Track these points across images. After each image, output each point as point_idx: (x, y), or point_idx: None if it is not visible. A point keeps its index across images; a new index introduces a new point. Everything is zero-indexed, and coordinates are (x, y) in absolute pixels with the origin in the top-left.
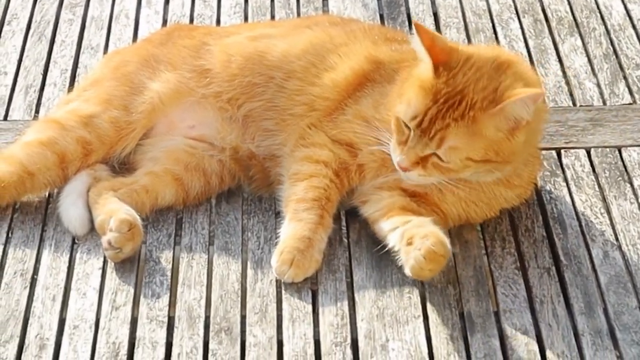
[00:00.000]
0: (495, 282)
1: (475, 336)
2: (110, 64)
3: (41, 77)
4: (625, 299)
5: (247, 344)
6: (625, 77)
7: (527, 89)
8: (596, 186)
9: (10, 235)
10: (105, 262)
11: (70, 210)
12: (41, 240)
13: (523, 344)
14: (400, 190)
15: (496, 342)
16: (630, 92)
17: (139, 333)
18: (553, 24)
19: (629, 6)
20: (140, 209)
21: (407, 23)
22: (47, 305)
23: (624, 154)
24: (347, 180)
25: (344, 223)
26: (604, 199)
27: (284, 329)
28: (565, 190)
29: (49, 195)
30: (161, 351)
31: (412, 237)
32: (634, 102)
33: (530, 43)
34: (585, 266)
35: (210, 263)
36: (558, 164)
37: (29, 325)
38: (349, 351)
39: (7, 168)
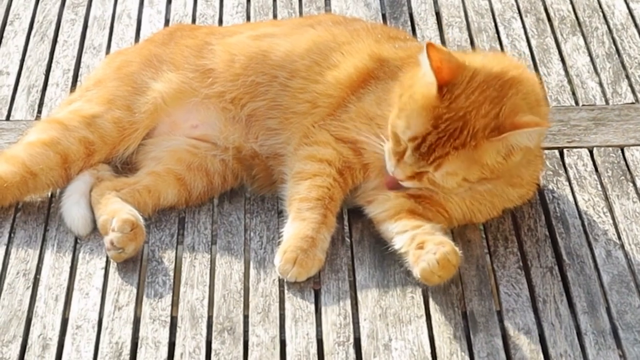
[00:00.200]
0: (498, 282)
1: (478, 335)
2: (113, 64)
3: (43, 77)
4: (628, 298)
5: (249, 343)
6: (627, 77)
7: (531, 120)
8: (599, 185)
9: (12, 235)
10: (107, 262)
11: (73, 210)
12: (44, 240)
13: (526, 343)
14: (406, 192)
15: (499, 342)
16: (633, 92)
17: (141, 333)
18: (555, 23)
19: (632, 5)
20: (142, 209)
21: (409, 22)
22: (49, 305)
23: (627, 153)
24: (351, 179)
25: (346, 222)
26: (606, 198)
27: (286, 328)
28: (567, 189)
29: (52, 195)
30: (164, 351)
31: (425, 242)
32: (637, 101)
33: (533, 42)
34: (588, 265)
35: (212, 263)
36: (560, 163)
37: (31, 325)
38: (351, 351)
39: (10, 168)
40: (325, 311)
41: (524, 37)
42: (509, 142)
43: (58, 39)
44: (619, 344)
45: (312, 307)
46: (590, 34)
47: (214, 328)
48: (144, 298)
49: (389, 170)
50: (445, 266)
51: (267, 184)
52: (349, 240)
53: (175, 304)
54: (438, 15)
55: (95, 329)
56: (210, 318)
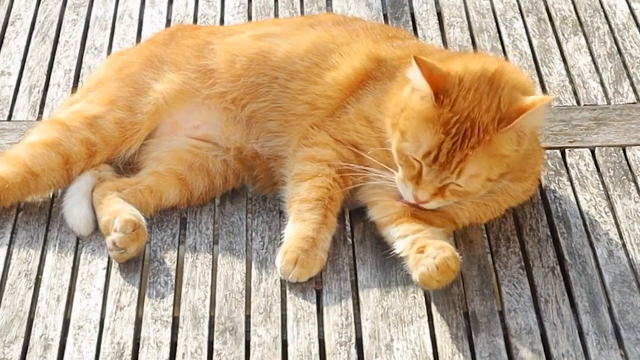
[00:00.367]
0: (500, 282)
1: (480, 335)
2: (114, 65)
3: (45, 77)
4: (630, 298)
5: (251, 343)
6: (629, 76)
7: (534, 99)
8: (600, 185)
9: (14, 235)
10: (109, 262)
11: (75, 210)
12: (45, 240)
13: (528, 343)
14: None
15: (501, 342)
16: (635, 91)
17: (143, 333)
18: (557, 23)
19: (633, 5)
20: (144, 209)
21: (410, 22)
22: (51, 306)
23: (629, 153)
24: (351, 180)
25: (348, 222)
26: (608, 198)
27: (288, 328)
28: (569, 189)
29: (53, 195)
30: (166, 351)
31: (425, 247)
32: (638, 101)
33: (534, 42)
34: (590, 265)
35: (214, 263)
36: (562, 163)
37: (33, 325)
38: (353, 351)
39: (11, 169)
40: (327, 311)
41: (525, 37)
42: (519, 127)
43: (59, 40)
44: (620, 344)
45: (314, 307)
46: (591, 33)
47: (215, 328)
48: (146, 298)
49: (409, 198)
50: (444, 271)
51: (268, 185)
52: (350, 240)
53: (177, 304)
54: (439, 15)
55: (97, 329)
56: (212, 318)
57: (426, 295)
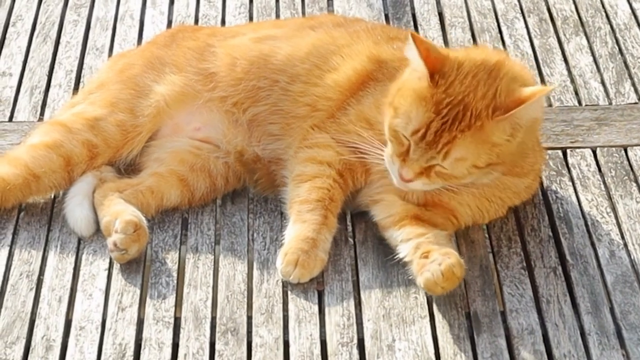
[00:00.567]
0: (502, 282)
1: (482, 336)
2: (116, 67)
3: (46, 78)
4: (632, 298)
5: (253, 344)
6: (630, 76)
7: (532, 90)
8: (602, 185)
9: (16, 236)
10: (111, 263)
11: (76, 211)
12: (47, 241)
13: (529, 343)
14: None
15: (503, 342)
16: (636, 91)
17: (145, 334)
18: (558, 23)
19: (634, 5)
20: (145, 210)
21: (412, 23)
22: (53, 307)
23: (630, 153)
24: (352, 181)
25: (349, 223)
26: (610, 199)
27: (290, 329)
28: (571, 189)
29: (55, 196)
30: (167, 352)
31: (429, 252)
32: None
33: (536, 42)
34: (592, 266)
35: (216, 264)
36: (564, 163)
37: (35, 326)
38: (355, 351)
39: (13, 170)
40: (328, 312)
41: (526, 37)
42: (515, 119)
43: (61, 40)
44: (622, 344)
45: (316, 307)
46: (593, 33)
47: (217, 329)
48: (148, 299)
49: (395, 175)
50: (449, 278)
51: (269, 187)
52: (352, 240)
53: (178, 305)
54: (441, 15)
55: (99, 330)
56: (213, 319)
57: (428, 295)
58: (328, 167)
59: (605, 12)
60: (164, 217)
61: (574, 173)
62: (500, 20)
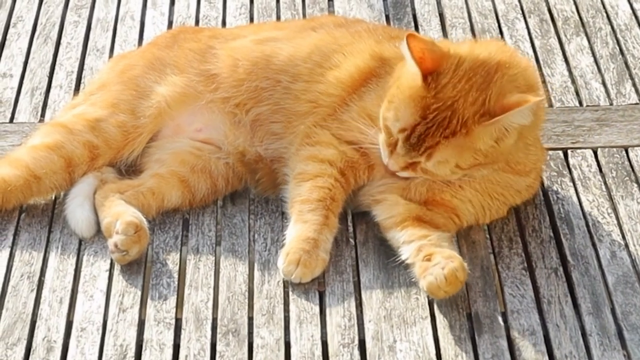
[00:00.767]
0: (503, 283)
1: (483, 337)
2: (117, 68)
3: (47, 79)
4: (633, 299)
5: (254, 345)
6: (631, 77)
7: (519, 99)
8: (603, 186)
9: (17, 237)
10: (112, 264)
11: (77, 212)
12: (48, 242)
13: (531, 344)
14: (417, 197)
15: (504, 343)
16: (637, 92)
17: (146, 335)
18: (559, 24)
19: (635, 6)
20: (146, 211)
21: (412, 24)
22: (54, 308)
23: (631, 154)
24: (354, 179)
25: (350, 224)
26: (611, 199)
27: (291, 330)
28: (572, 190)
29: (56, 197)
30: (169, 353)
31: (432, 255)
32: None
33: (537, 43)
34: (593, 266)
35: (217, 265)
36: (565, 164)
37: (36, 328)
38: (356, 352)
39: (14, 172)
40: (329, 313)
41: (527, 37)
42: (501, 124)
43: (61, 41)
44: (624, 345)
45: (317, 308)
46: (593, 34)
47: (218, 330)
48: (149, 300)
49: (384, 160)
50: (452, 282)
51: (271, 187)
52: (353, 241)
53: (179, 306)
54: (441, 16)
55: (100, 331)
56: (214, 320)
57: (429, 296)
58: (329, 166)
59: (606, 12)
60: (165, 218)
61: (575, 174)
62: (501, 21)
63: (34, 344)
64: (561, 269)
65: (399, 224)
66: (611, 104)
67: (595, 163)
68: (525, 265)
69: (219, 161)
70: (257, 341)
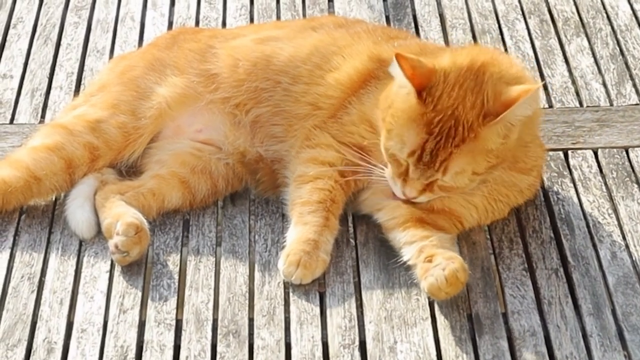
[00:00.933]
0: (503, 284)
1: (484, 338)
2: (117, 69)
3: (47, 80)
4: (634, 299)
5: (255, 346)
6: (632, 78)
7: (520, 90)
8: (603, 187)
9: (17, 238)
10: (112, 265)
11: (77, 213)
12: (48, 243)
13: (531, 345)
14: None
15: (504, 344)
16: (637, 93)
17: (146, 336)
18: (559, 25)
19: (635, 6)
20: (147, 212)
21: (413, 24)
22: (54, 309)
23: (631, 155)
24: (354, 181)
25: (351, 224)
26: (611, 200)
27: (291, 331)
28: (572, 191)
29: (56, 198)
30: (169, 354)
31: (434, 256)
32: None
33: (537, 44)
34: (593, 267)
35: (217, 266)
36: (565, 164)
37: (36, 329)
38: (357, 353)
39: (14, 173)
40: (330, 314)
41: (527, 38)
42: (506, 120)
43: (61, 42)
44: (624, 346)
45: (317, 309)
46: (594, 35)
47: (219, 331)
48: (149, 301)
49: (398, 194)
50: (453, 283)
51: (271, 187)
52: (353, 242)
53: (180, 307)
54: (442, 16)
55: (100, 332)
56: (215, 321)
57: (430, 297)
58: (330, 168)
59: (606, 13)
60: (165, 219)
61: (576, 174)
62: (501, 22)
63: (34, 345)
64: (562, 269)
65: (401, 224)
66: (611, 105)
67: (596, 164)
68: (526, 266)
69: (219, 162)
70: (257, 342)
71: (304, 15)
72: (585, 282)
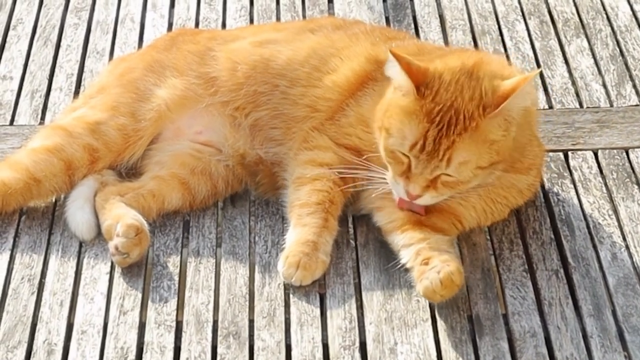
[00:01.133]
0: (504, 285)
1: (484, 339)
2: (116, 71)
3: (47, 81)
4: (634, 300)
5: (255, 348)
6: (632, 78)
7: (516, 81)
8: (604, 188)
9: (17, 240)
10: (112, 267)
11: (77, 215)
12: (48, 245)
13: (532, 346)
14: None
15: (505, 345)
16: (637, 94)
17: (147, 338)
18: (559, 26)
19: (635, 7)
20: (147, 213)
21: (412, 25)
22: (54, 311)
23: (631, 156)
24: (353, 182)
25: (351, 226)
26: (611, 201)
27: (292, 332)
28: (572, 192)
29: (56, 200)
30: (169, 356)
31: (430, 258)
32: None
33: (537, 45)
34: (594, 268)
35: (217, 267)
36: (565, 165)
37: (36, 330)
38: (357, 355)
39: (14, 175)
40: (330, 315)
41: (527, 39)
42: (506, 111)
43: (61, 44)
44: (624, 347)
45: (318, 311)
46: (594, 36)
47: (219, 333)
48: (149, 303)
49: (402, 194)
50: (448, 286)
51: (271, 189)
52: (354, 243)
53: (180, 308)
54: (441, 17)
55: (101, 334)
56: (215, 322)
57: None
58: (328, 170)
59: (606, 14)
60: (165, 221)
61: (576, 175)
62: (501, 23)
63: (34, 347)
64: (562, 270)
65: (399, 227)
66: (611, 106)
67: (596, 165)
68: (526, 267)
69: (219, 163)
70: (257, 344)
71: (304, 16)
72: (586, 283)
